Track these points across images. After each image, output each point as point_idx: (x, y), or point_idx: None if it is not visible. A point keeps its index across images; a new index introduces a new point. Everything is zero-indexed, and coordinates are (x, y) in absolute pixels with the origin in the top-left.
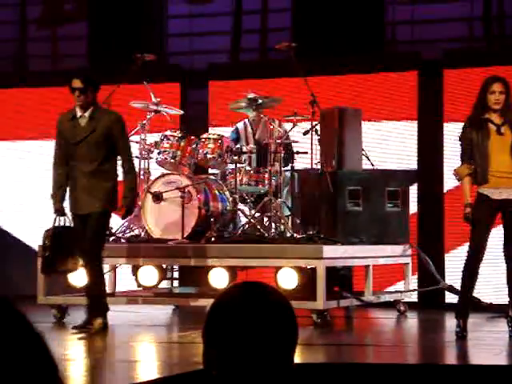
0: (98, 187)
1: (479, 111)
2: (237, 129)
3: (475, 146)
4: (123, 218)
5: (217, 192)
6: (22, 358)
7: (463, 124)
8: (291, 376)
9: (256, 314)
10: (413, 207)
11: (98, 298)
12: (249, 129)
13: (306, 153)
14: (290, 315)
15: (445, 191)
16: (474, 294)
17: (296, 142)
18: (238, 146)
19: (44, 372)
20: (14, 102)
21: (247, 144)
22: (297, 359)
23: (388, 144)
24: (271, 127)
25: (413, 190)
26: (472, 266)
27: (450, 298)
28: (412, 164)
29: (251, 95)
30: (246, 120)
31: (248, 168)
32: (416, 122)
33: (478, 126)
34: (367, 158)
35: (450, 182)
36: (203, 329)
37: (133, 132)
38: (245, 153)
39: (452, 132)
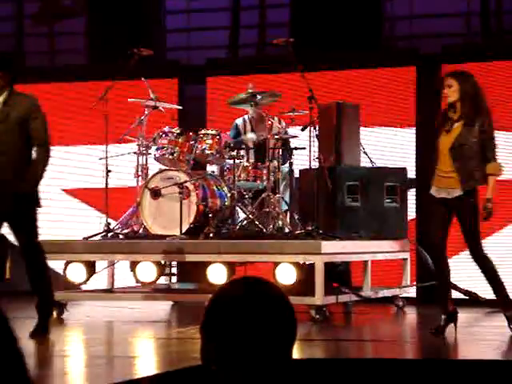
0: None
1: (446, 108)
2: (236, 125)
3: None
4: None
5: (215, 188)
6: None
7: None
8: (290, 371)
9: (255, 310)
10: (411, 212)
11: (48, 296)
12: (248, 125)
13: (304, 148)
14: (289, 310)
15: None
16: (474, 290)
17: (295, 136)
18: (236, 140)
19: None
20: None
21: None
22: (295, 354)
23: (386, 149)
24: (269, 123)
25: (411, 196)
26: (431, 257)
27: None
28: (410, 168)
29: (251, 88)
30: (246, 116)
31: (246, 164)
32: (414, 127)
33: (441, 123)
34: (366, 154)
35: None
36: (202, 324)
37: (131, 128)
38: (242, 148)
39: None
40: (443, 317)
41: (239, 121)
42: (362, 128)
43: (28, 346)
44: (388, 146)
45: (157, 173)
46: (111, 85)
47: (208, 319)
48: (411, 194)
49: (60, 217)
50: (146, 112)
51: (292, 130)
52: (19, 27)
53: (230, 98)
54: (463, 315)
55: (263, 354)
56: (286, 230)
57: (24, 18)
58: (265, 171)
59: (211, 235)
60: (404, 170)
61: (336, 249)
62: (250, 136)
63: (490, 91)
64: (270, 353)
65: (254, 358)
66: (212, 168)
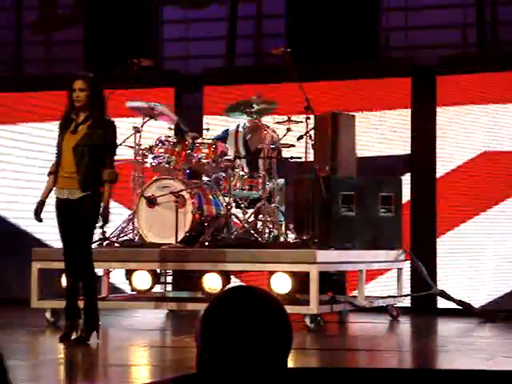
0: None
1: (68, 110)
2: (227, 130)
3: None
4: None
5: (211, 197)
6: None
7: None
8: (285, 380)
9: (250, 319)
10: (406, 193)
11: None
12: (240, 133)
13: (300, 158)
14: (285, 319)
15: (437, 177)
16: (465, 299)
17: (292, 146)
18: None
19: None
20: (10, 107)
21: (236, 148)
22: (289, 363)
23: (381, 133)
24: (264, 132)
25: (406, 177)
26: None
27: (443, 303)
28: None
29: (256, 98)
30: (240, 123)
31: (242, 173)
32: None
33: (65, 125)
34: (361, 163)
35: (441, 169)
36: (197, 333)
37: (128, 136)
38: (236, 157)
39: (444, 119)
40: (68, 323)
41: (232, 127)
42: (357, 114)
43: (21, 352)
44: (383, 138)
45: (153, 181)
46: (109, 93)
47: (203, 328)
48: (406, 183)
49: None
50: (143, 120)
51: (288, 140)
52: (18, 36)
53: (228, 108)
54: (456, 325)
55: (258, 363)
56: (282, 239)
57: (22, 26)
58: (260, 180)
59: (207, 244)
60: (399, 180)
61: (331, 258)
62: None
63: (486, 102)
64: (265, 362)
65: (249, 366)
66: (208, 177)
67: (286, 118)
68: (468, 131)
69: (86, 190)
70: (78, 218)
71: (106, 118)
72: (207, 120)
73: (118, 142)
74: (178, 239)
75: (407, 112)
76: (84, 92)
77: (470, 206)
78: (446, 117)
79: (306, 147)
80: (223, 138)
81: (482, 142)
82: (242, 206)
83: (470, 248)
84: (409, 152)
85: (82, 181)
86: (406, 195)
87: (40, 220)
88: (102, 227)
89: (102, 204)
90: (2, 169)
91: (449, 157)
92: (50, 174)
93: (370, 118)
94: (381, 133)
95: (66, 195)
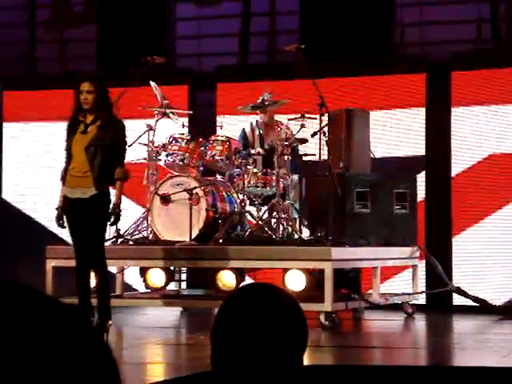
0: None
1: (76, 112)
2: (244, 133)
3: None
4: None
5: (224, 194)
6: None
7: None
8: (300, 378)
9: (265, 316)
10: (421, 192)
11: None
12: (256, 131)
13: (314, 155)
14: (300, 317)
15: (452, 176)
16: (482, 296)
17: (305, 141)
18: (245, 151)
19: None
20: (23, 105)
21: (254, 146)
22: (304, 361)
23: (397, 131)
24: (278, 129)
25: (420, 177)
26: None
27: (458, 300)
28: (420, 151)
29: (267, 95)
30: (254, 121)
31: (255, 170)
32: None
33: (73, 127)
34: (374, 160)
35: (456, 168)
36: (211, 331)
37: (141, 134)
38: (253, 155)
39: (459, 119)
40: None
41: (247, 128)
42: (372, 113)
43: None
44: (398, 136)
45: (167, 179)
46: (123, 91)
47: (218, 325)
48: (420, 182)
49: None
50: (156, 118)
51: (302, 135)
52: (31, 34)
53: (243, 107)
54: (472, 322)
55: (274, 361)
56: (296, 237)
57: (36, 25)
58: (274, 177)
59: (221, 241)
60: (414, 178)
61: (345, 255)
62: (258, 150)
63: (500, 97)
64: (280, 360)
65: (264, 364)
66: (222, 174)
67: (299, 114)
68: (483, 130)
69: (99, 189)
70: (91, 215)
71: (115, 118)
72: (221, 119)
73: (130, 140)
74: (192, 237)
75: (422, 111)
76: (91, 94)
77: (486, 204)
78: (461, 115)
79: (319, 144)
80: (245, 144)
81: (497, 143)
82: (256, 203)
83: (485, 246)
84: (423, 152)
85: (97, 179)
86: (421, 194)
87: (63, 227)
88: (112, 225)
89: (112, 202)
90: (15, 166)
91: (464, 155)
92: (62, 178)
93: (384, 116)
94: (396, 132)
95: (78, 194)
